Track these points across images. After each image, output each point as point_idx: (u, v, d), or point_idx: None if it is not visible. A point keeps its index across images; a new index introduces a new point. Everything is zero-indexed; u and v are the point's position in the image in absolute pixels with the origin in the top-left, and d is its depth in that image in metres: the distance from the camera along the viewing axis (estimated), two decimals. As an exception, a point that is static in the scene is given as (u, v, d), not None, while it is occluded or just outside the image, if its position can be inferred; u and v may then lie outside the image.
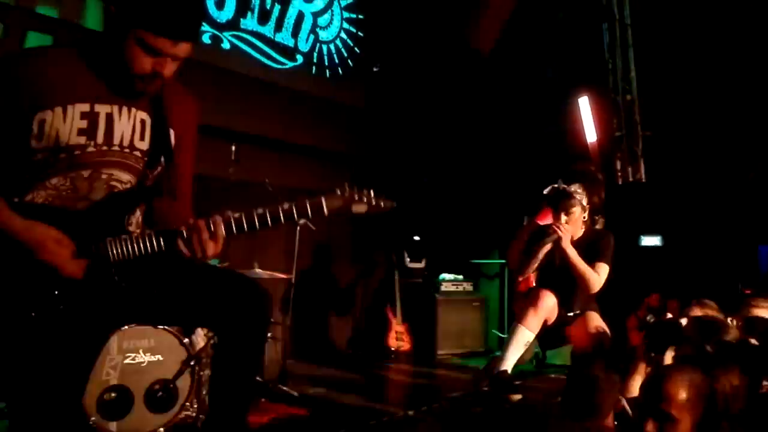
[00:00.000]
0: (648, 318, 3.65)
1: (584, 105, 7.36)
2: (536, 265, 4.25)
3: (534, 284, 4.65)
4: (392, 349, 6.91)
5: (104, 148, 2.18)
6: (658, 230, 8.91)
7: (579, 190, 4.19)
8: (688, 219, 8.49)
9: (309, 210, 2.16)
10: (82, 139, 2.14)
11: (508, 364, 3.91)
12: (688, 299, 4.83)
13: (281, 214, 2.16)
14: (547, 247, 4.16)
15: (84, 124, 2.13)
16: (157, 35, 2.01)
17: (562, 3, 7.83)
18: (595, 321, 4.10)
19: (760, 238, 9.73)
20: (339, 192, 2.19)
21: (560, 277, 4.16)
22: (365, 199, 2.22)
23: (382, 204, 2.26)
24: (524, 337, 3.95)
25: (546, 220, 4.54)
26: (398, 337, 7.02)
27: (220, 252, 2.18)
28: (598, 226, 4.67)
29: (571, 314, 4.20)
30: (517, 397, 3.86)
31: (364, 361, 6.60)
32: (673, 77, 7.29)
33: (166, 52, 2.06)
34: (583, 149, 7.31)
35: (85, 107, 2.14)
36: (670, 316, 3.90)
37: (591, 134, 7.34)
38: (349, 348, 7.15)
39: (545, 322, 4.04)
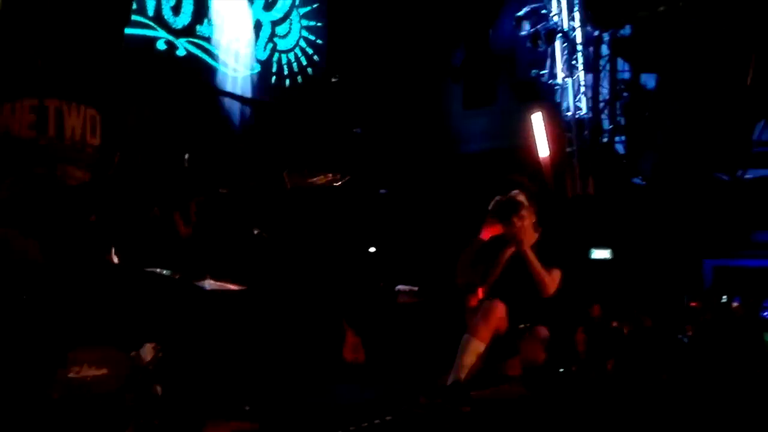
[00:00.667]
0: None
1: (537, 121, 7.54)
2: (498, 271, 4.26)
3: (483, 296, 4.68)
4: (348, 360, 6.85)
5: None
6: (608, 244, 9.16)
7: (521, 196, 4.27)
8: (637, 233, 8.74)
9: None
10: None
11: (460, 376, 3.92)
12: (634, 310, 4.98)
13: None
14: (509, 252, 4.19)
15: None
16: None
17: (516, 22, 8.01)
18: (545, 334, 4.15)
19: (704, 252, 10.10)
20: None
21: (512, 288, 4.19)
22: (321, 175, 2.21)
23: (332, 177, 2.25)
24: (475, 348, 3.97)
25: (490, 234, 4.58)
26: (354, 349, 6.97)
27: None
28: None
29: (522, 326, 4.23)
30: (469, 408, 3.86)
31: (320, 372, 6.52)
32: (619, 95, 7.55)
33: None
34: (535, 164, 7.47)
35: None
36: (615, 325, 4.03)
37: (543, 150, 7.51)
38: (307, 359, 7.05)
39: (496, 332, 4.06)
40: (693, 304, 8.30)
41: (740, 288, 9.49)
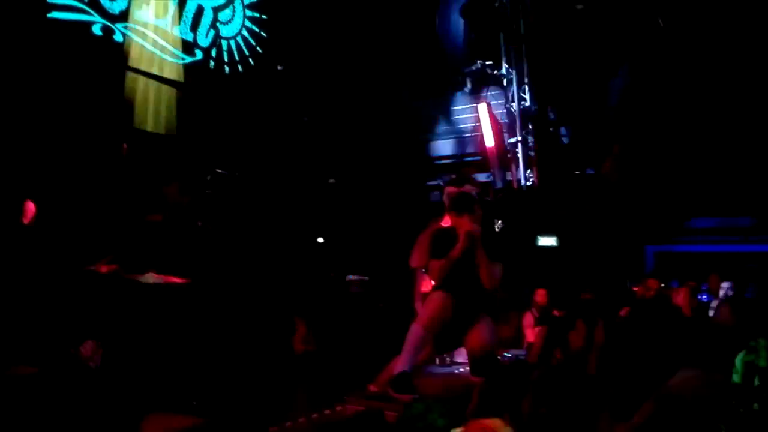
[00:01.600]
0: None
1: (483, 112, 7.61)
2: (450, 265, 4.25)
3: (433, 286, 4.69)
4: (299, 352, 6.80)
5: None
6: (554, 231, 9.35)
7: (474, 192, 4.30)
8: (581, 220, 8.95)
9: None
10: None
11: (407, 365, 3.92)
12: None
13: None
14: (461, 246, 4.19)
15: None
16: None
17: (466, 14, 8.03)
18: (490, 325, 4.18)
19: (646, 238, 10.43)
20: None
21: (459, 279, 4.21)
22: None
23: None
24: (422, 338, 3.97)
25: (445, 223, 4.59)
26: (305, 340, 6.91)
27: None
28: (497, 228, 4.78)
29: (469, 317, 4.24)
30: (416, 396, 3.87)
31: (272, 365, 6.43)
32: (564, 86, 7.69)
33: None
34: (482, 154, 7.55)
35: None
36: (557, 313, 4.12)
37: (489, 140, 7.59)
38: (256, 353, 6.94)
39: (443, 322, 4.07)
40: (635, 288, 8.56)
41: (680, 272, 9.87)
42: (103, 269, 3.99)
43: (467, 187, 4.30)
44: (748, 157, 8.36)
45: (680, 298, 5.98)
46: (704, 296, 7.79)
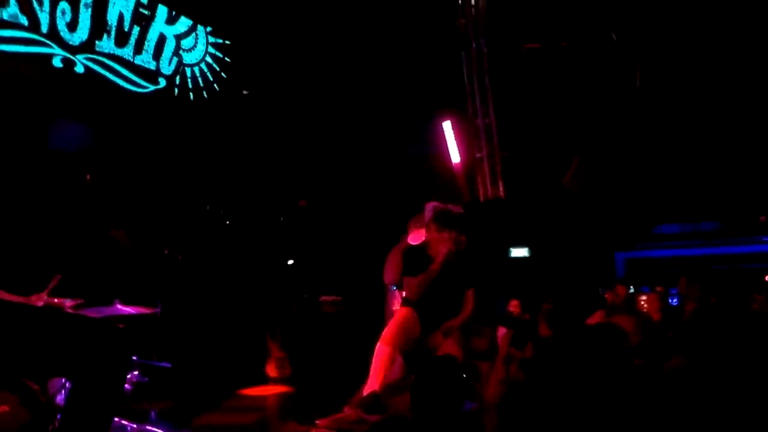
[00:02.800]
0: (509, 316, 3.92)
1: (448, 129, 7.72)
2: (428, 283, 4.26)
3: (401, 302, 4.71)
4: (273, 377, 6.75)
5: None
6: (525, 242, 9.46)
7: (458, 212, 4.36)
8: (552, 231, 9.08)
9: None
10: None
11: (376, 385, 3.92)
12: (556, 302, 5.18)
13: None
14: (437, 265, 4.21)
15: None
16: None
17: (428, 34, 8.14)
18: (460, 341, 4.22)
19: (615, 245, 10.63)
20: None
21: (428, 295, 4.23)
22: None
23: None
24: (388, 356, 3.98)
25: (416, 239, 4.63)
26: (279, 364, 6.86)
27: None
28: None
29: (438, 334, 4.27)
30: (386, 416, 3.87)
31: (244, 391, 6.38)
32: (524, 102, 7.84)
33: None
34: (447, 171, 7.64)
35: None
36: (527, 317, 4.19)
37: (455, 156, 7.69)
38: (228, 379, 6.88)
39: (409, 339, 4.09)
40: (607, 294, 8.71)
41: (650, 277, 10.07)
42: (69, 303, 3.94)
43: (452, 206, 4.36)
44: (709, 164, 8.58)
45: (649, 303, 6.10)
46: (674, 300, 7.94)
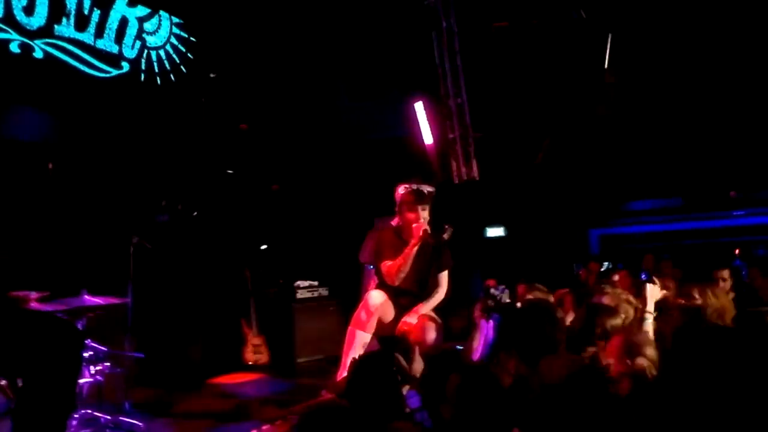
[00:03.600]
0: (489, 303, 3.89)
1: (420, 110, 7.64)
2: (407, 266, 4.21)
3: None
4: (250, 363, 6.71)
5: None
6: (501, 222, 9.50)
7: (431, 190, 4.33)
8: (527, 210, 9.14)
9: None
10: None
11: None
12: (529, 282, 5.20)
13: None
14: (413, 247, 4.17)
15: None
16: None
17: (398, 14, 8.04)
18: (433, 322, 4.18)
19: (590, 222, 10.75)
20: None
21: (405, 277, 4.20)
22: None
23: None
24: (360, 340, 3.96)
25: (396, 222, 4.58)
26: (255, 350, 6.82)
27: None
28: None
29: (412, 316, 4.24)
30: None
31: (220, 378, 6.33)
32: (496, 81, 7.81)
33: None
34: (421, 152, 7.59)
35: None
36: (507, 301, 4.16)
37: (428, 137, 7.64)
38: (204, 367, 6.82)
39: (381, 322, 4.07)
40: (581, 271, 8.81)
41: (622, 252, 10.21)
42: (34, 295, 3.83)
43: (427, 188, 4.32)
44: (675, 142, 8.69)
45: (620, 281, 6.14)
46: (644, 275, 8.06)
